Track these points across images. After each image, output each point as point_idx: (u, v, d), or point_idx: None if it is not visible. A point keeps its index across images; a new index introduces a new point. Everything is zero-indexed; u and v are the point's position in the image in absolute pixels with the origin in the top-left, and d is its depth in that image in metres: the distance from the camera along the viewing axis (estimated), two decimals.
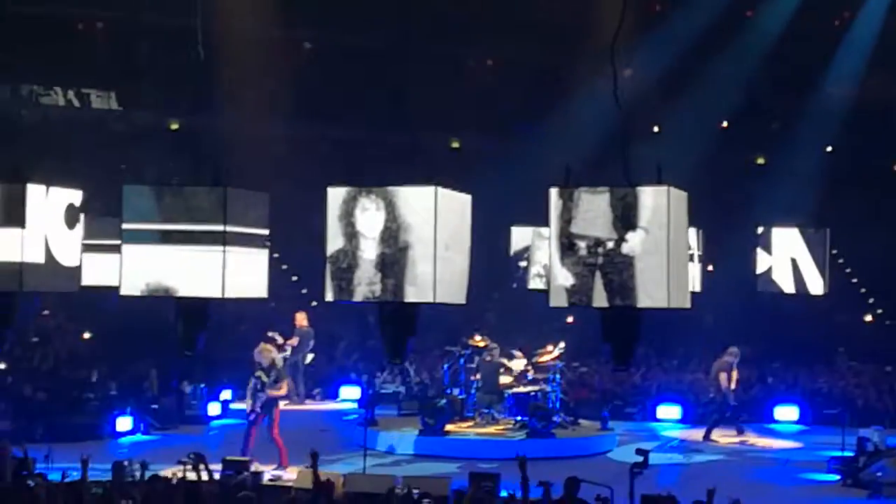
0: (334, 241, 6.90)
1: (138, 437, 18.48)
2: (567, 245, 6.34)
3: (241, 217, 7.41)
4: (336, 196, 6.94)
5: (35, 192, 7.54)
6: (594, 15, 22.54)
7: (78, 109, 29.28)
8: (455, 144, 31.05)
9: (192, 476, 11.45)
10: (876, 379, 22.56)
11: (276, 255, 29.15)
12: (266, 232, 7.67)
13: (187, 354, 7.62)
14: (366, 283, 6.71)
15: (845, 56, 28.54)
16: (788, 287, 15.22)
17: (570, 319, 25.91)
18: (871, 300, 27.69)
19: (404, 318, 7.00)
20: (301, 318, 22.65)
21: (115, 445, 17.45)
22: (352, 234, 6.81)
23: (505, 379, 18.55)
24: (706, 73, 27.72)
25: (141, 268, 7.37)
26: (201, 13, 8.21)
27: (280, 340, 22.60)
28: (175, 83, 25.74)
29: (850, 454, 16.39)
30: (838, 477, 16.16)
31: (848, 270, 28.27)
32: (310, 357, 22.99)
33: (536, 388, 18.41)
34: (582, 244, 6.30)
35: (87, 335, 22.16)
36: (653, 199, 6.39)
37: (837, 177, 27.58)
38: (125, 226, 7.46)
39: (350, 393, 22.94)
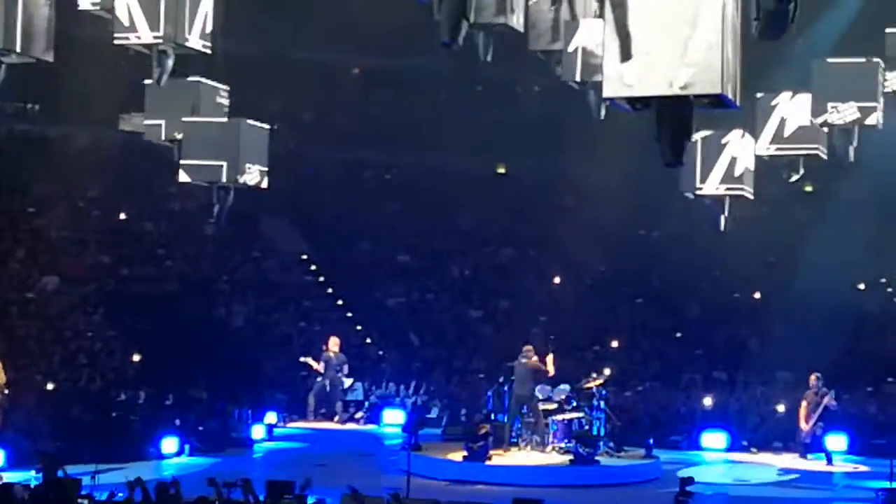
0: None
1: (184, 458, 18.56)
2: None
3: None
4: None
5: None
6: None
7: None
8: None
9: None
10: None
11: (320, 279, 29.35)
12: None
13: None
14: None
15: None
16: None
17: (615, 343, 25.71)
18: None
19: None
20: (331, 343, 23.08)
21: (160, 467, 17.52)
22: None
23: (548, 406, 18.43)
24: None
25: None
26: None
27: (315, 366, 22.84)
28: None
29: None
30: None
31: (889, 290, 27.84)
32: (347, 381, 23.07)
33: (580, 414, 18.31)
34: None
35: (136, 357, 22.32)
36: None
37: None
38: None
39: (393, 417, 22.89)
